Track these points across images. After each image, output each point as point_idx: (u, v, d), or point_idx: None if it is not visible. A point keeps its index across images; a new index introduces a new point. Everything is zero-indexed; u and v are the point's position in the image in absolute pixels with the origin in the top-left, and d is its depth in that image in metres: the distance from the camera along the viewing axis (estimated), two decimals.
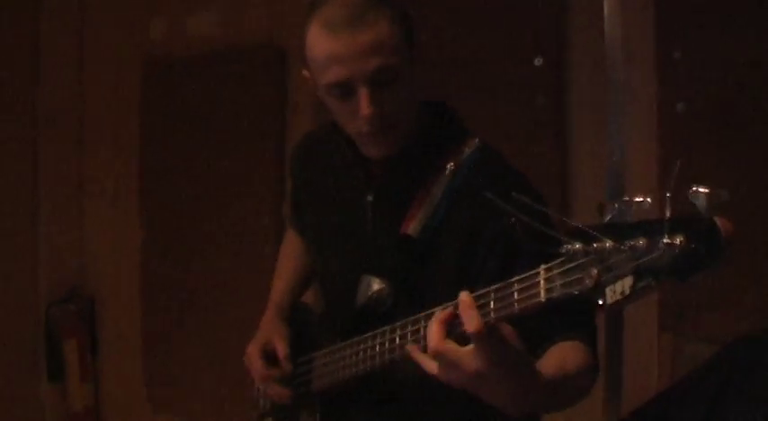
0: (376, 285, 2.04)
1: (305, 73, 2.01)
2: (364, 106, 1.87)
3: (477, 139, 2.06)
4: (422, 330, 1.71)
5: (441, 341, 1.52)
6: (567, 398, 1.75)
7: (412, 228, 1.99)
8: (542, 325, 1.66)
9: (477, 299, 1.52)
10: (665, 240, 1.14)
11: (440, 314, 1.57)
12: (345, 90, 1.89)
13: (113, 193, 4.57)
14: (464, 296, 1.51)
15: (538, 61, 3.20)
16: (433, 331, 1.53)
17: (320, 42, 1.88)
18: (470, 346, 1.48)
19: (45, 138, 4.65)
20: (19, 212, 4.59)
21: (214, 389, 4.12)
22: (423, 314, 1.72)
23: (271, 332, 2.30)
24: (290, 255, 2.52)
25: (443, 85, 3.24)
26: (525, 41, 3.24)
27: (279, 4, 3.95)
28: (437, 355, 1.53)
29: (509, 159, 2.07)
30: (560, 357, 1.72)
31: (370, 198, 2.08)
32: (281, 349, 2.24)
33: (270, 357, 2.26)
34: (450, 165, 2.01)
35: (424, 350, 1.63)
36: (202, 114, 4.18)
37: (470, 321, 1.47)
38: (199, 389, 4.22)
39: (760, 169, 2.86)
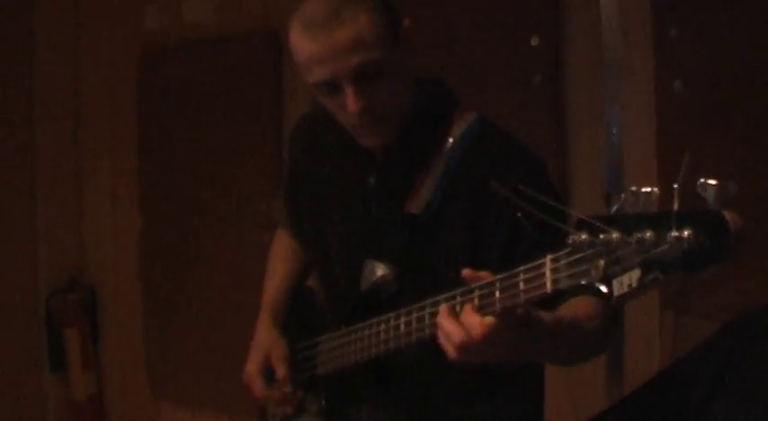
0: (380, 271, 2.03)
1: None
2: (351, 103, 1.88)
3: (474, 113, 2.06)
4: (426, 318, 1.72)
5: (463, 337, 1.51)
6: (579, 344, 1.75)
7: (415, 206, 1.99)
8: None
9: (482, 288, 1.52)
10: (673, 233, 1.13)
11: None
12: (331, 87, 1.90)
13: (111, 183, 4.56)
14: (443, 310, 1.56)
15: (534, 41, 3.19)
16: (452, 331, 1.53)
17: (300, 44, 1.89)
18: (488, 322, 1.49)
19: (42, 128, 4.64)
20: (17, 203, 4.58)
21: (215, 375, 4.12)
22: (428, 301, 1.71)
23: (268, 347, 2.29)
24: (282, 256, 2.49)
25: (439, 65, 3.23)
26: (522, 21, 3.23)
27: None
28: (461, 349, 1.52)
29: (508, 131, 2.07)
30: (569, 305, 1.71)
31: (371, 180, 2.07)
32: (280, 370, 2.24)
33: (269, 374, 2.26)
34: (449, 141, 2.01)
35: (431, 337, 1.63)
36: (199, 102, 4.17)
37: (473, 330, 1.50)
38: (200, 375, 4.22)
39: (759, 149, 2.86)
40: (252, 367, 2.29)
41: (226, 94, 4.08)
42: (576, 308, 1.69)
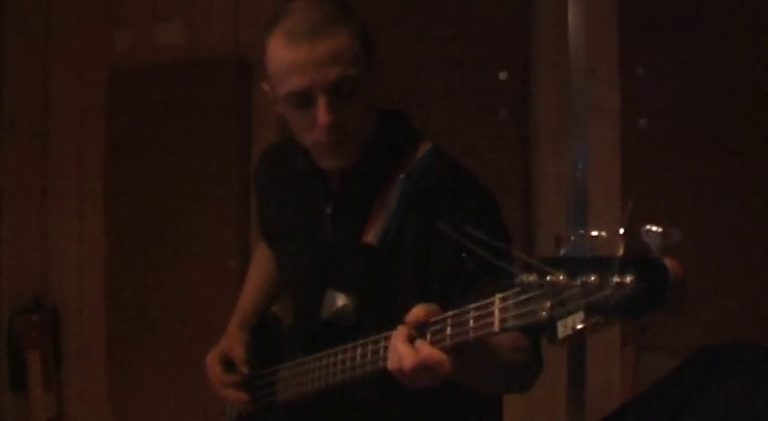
0: (340, 301, 2.04)
1: (264, 86, 2.03)
2: (322, 115, 1.88)
3: (429, 144, 2.08)
4: (381, 350, 1.74)
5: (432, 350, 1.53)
6: (509, 373, 1.78)
7: (371, 236, 2.00)
8: None
9: (434, 324, 1.55)
10: (615, 279, 1.15)
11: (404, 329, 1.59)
12: (304, 99, 1.90)
13: (77, 203, 4.54)
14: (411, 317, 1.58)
15: (503, 75, 3.22)
16: (404, 355, 1.55)
17: (281, 52, 1.89)
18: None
19: (9, 148, 4.62)
20: None
21: (177, 400, 4.11)
22: (384, 334, 1.73)
23: (229, 339, 2.31)
24: (260, 266, 2.52)
25: (407, 97, 3.25)
26: (491, 56, 3.26)
27: (244, 15, 3.96)
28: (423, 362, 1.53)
29: (466, 166, 2.08)
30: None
31: (329, 210, 2.08)
32: (238, 354, 2.24)
33: (229, 364, 2.26)
34: (403, 172, 2.02)
35: (385, 370, 1.65)
36: (167, 124, 4.16)
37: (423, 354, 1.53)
38: (162, 400, 4.20)
39: (720, 184, 2.89)
40: (212, 355, 2.30)
41: (194, 118, 4.07)
42: (502, 340, 1.69)
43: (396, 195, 2.01)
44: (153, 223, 4.21)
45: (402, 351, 1.56)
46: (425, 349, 1.53)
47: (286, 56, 1.88)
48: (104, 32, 4.40)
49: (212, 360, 2.29)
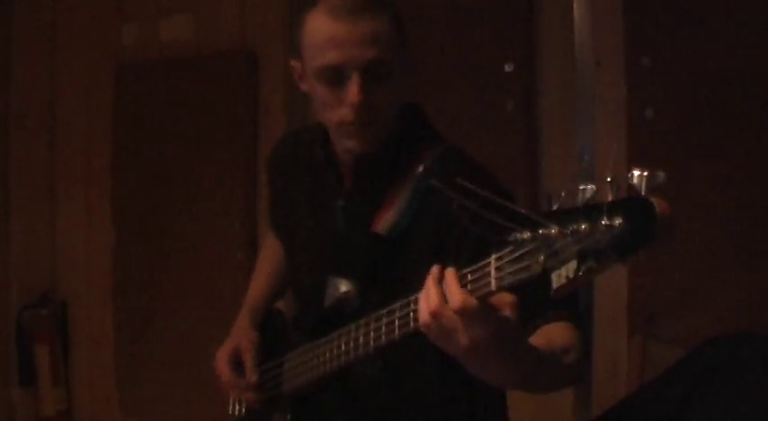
0: (343, 287, 2.05)
1: (293, 63, 2.02)
2: (353, 93, 1.88)
3: (447, 142, 2.09)
4: (383, 327, 1.73)
5: (442, 304, 1.49)
6: (556, 375, 1.73)
7: (382, 226, 2.01)
8: (532, 306, 1.63)
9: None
10: (604, 222, 1.17)
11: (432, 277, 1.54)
12: (338, 76, 1.90)
13: (85, 198, 4.56)
14: (434, 271, 1.53)
15: (508, 67, 3.22)
16: (434, 293, 1.51)
17: (322, 26, 1.89)
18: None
19: (17, 143, 4.64)
20: None
21: (185, 393, 4.12)
22: (384, 311, 1.73)
23: (240, 338, 2.31)
24: (268, 258, 2.52)
25: (413, 89, 3.25)
26: (496, 47, 3.26)
27: (251, 10, 3.96)
28: (436, 316, 1.49)
29: (480, 161, 2.08)
30: (547, 334, 1.72)
31: (341, 202, 2.09)
32: (248, 359, 2.25)
33: (238, 364, 2.27)
34: (419, 167, 2.03)
35: (387, 344, 1.64)
36: (174, 119, 4.17)
37: (452, 298, 1.46)
38: (170, 393, 4.22)
39: (727, 174, 2.89)
40: (221, 354, 2.30)
41: (201, 113, 4.09)
42: (553, 338, 1.70)
43: (410, 189, 2.01)
44: (160, 217, 4.22)
45: (430, 290, 1.52)
46: (454, 288, 1.47)
47: (327, 30, 1.88)
48: (111, 27, 4.41)
49: (222, 358, 2.29)
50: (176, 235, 4.18)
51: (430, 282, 1.53)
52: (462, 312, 1.45)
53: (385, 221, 2.01)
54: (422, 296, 1.54)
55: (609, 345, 3.05)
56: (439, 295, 1.49)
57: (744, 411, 1.87)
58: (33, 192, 4.65)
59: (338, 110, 1.94)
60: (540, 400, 2.92)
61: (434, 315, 1.49)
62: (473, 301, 1.44)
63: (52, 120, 4.64)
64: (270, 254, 2.53)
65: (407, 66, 2.00)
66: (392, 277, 2.00)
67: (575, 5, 3.07)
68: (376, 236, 2.01)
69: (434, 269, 1.56)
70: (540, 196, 3.20)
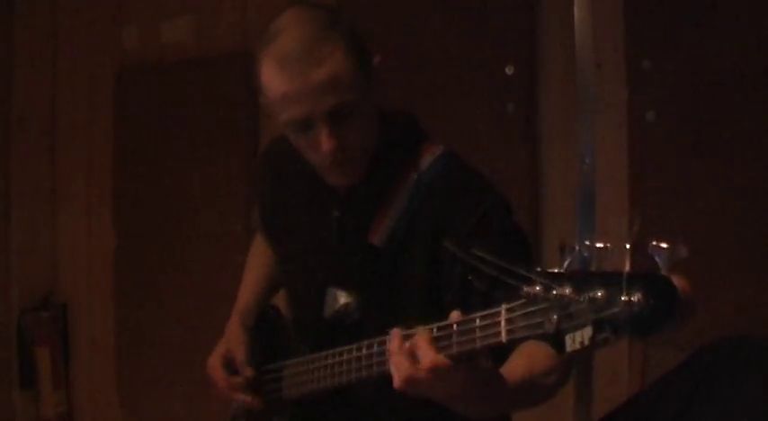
0: (343, 299, 2.05)
1: (262, 100, 1.99)
2: (324, 142, 1.87)
3: (440, 146, 2.07)
4: (384, 354, 1.73)
5: (412, 368, 1.51)
6: (534, 397, 1.77)
7: (377, 237, 2.00)
8: None
9: (439, 330, 1.53)
10: (623, 297, 1.15)
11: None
12: (304, 125, 1.88)
13: (86, 201, 4.56)
14: (422, 333, 1.53)
15: (509, 70, 3.22)
16: (400, 360, 1.53)
17: (274, 81, 1.86)
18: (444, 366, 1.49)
19: (18, 145, 4.63)
20: None
21: (186, 396, 4.12)
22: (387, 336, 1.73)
23: (230, 341, 2.30)
24: (258, 260, 2.51)
25: (413, 92, 3.26)
26: (497, 50, 3.26)
27: (251, 12, 3.95)
28: (408, 382, 1.51)
29: (475, 165, 2.08)
30: (528, 355, 1.70)
31: (336, 213, 2.08)
32: (239, 355, 2.24)
33: (232, 366, 2.26)
34: (413, 175, 2.02)
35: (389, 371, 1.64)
36: (175, 121, 4.17)
37: (423, 358, 1.49)
38: (171, 396, 4.21)
39: (728, 176, 2.89)
40: (213, 358, 2.29)
41: (202, 115, 4.08)
42: (533, 362, 1.69)
43: (405, 198, 2.00)
44: (161, 220, 4.22)
45: (396, 358, 1.54)
46: (424, 350, 1.50)
47: (280, 86, 1.86)
48: (112, 30, 4.41)
49: (214, 363, 2.28)
50: (177, 237, 4.18)
51: (395, 347, 1.55)
52: (434, 371, 1.48)
53: (381, 232, 2.00)
54: (391, 363, 1.56)
55: (609, 349, 3.04)
56: (407, 360, 1.51)
57: (745, 414, 1.87)
58: (34, 195, 4.65)
59: (314, 154, 1.94)
60: (540, 406, 2.92)
61: (407, 381, 1.51)
62: (444, 361, 1.47)
63: (53, 123, 4.64)
64: (258, 255, 2.51)
65: (375, 85, 1.95)
66: (390, 287, 2.00)
67: (575, 8, 3.06)
68: (372, 247, 2.00)
69: (394, 332, 1.57)
70: (539, 198, 3.20)
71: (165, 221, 4.22)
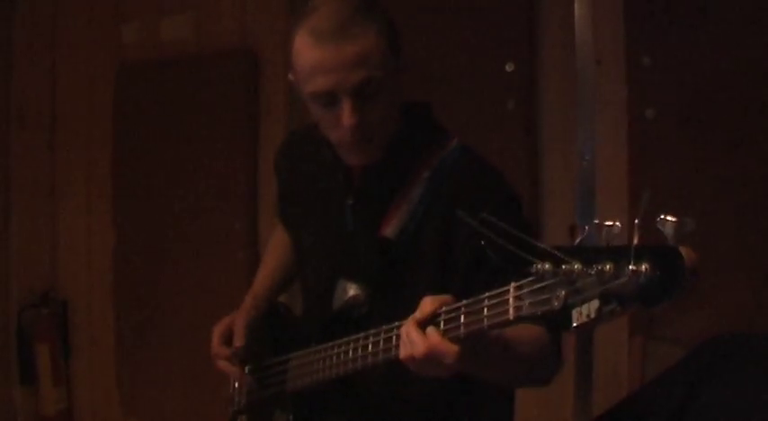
0: (352, 291, 2.05)
1: (290, 77, 2.01)
2: (347, 117, 1.88)
3: (455, 140, 2.08)
4: (394, 339, 1.74)
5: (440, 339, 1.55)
6: (519, 366, 1.77)
7: (390, 230, 2.00)
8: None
9: (448, 312, 1.56)
10: (631, 267, 1.16)
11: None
12: (329, 99, 1.89)
13: (86, 198, 4.56)
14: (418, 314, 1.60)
15: (509, 66, 3.23)
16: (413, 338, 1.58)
17: (306, 51, 1.88)
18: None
19: (17, 142, 4.64)
20: None
21: (186, 393, 4.12)
22: (396, 324, 1.73)
23: (237, 315, 2.30)
24: (277, 247, 2.51)
25: (414, 89, 3.25)
26: (497, 47, 3.26)
27: (252, 9, 3.96)
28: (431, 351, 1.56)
29: (488, 161, 2.08)
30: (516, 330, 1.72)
31: (350, 201, 2.08)
32: (238, 329, 2.24)
33: (231, 337, 2.28)
34: (428, 168, 2.02)
35: (396, 359, 1.66)
36: (175, 118, 4.17)
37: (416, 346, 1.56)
38: (171, 392, 4.22)
39: (727, 174, 2.90)
40: (217, 326, 2.31)
41: (202, 112, 4.08)
42: (520, 328, 1.69)
43: (419, 191, 2.01)
44: (161, 217, 4.22)
45: (413, 337, 1.58)
46: (434, 337, 1.55)
47: (310, 56, 1.87)
48: (112, 26, 4.41)
49: (215, 330, 2.30)
50: (177, 234, 4.18)
51: (410, 330, 1.60)
52: (438, 354, 1.55)
53: (393, 225, 2.01)
54: (401, 343, 1.64)
55: (609, 345, 3.05)
56: (418, 344, 1.58)
57: (743, 409, 1.88)
58: (34, 192, 4.65)
59: (335, 130, 1.95)
60: (540, 400, 2.93)
61: (410, 358, 1.59)
62: (446, 346, 1.54)
63: (52, 120, 4.64)
64: (278, 244, 2.51)
65: (403, 71, 1.99)
66: (400, 282, 2.00)
67: (576, 5, 3.07)
68: (384, 240, 2.01)
69: (423, 306, 1.61)
70: (539, 195, 3.21)
71: (165, 217, 4.22)
